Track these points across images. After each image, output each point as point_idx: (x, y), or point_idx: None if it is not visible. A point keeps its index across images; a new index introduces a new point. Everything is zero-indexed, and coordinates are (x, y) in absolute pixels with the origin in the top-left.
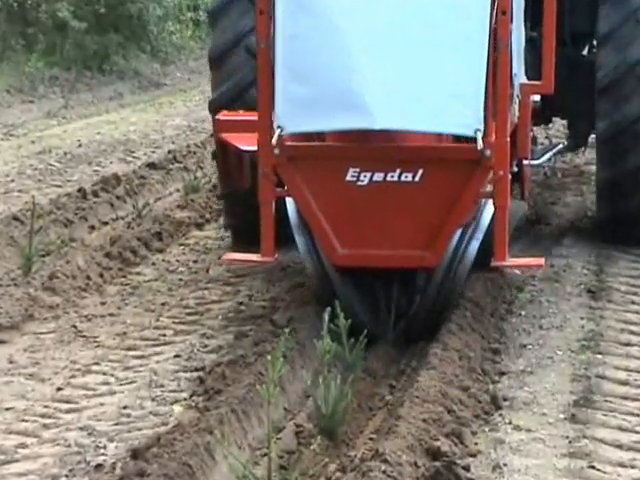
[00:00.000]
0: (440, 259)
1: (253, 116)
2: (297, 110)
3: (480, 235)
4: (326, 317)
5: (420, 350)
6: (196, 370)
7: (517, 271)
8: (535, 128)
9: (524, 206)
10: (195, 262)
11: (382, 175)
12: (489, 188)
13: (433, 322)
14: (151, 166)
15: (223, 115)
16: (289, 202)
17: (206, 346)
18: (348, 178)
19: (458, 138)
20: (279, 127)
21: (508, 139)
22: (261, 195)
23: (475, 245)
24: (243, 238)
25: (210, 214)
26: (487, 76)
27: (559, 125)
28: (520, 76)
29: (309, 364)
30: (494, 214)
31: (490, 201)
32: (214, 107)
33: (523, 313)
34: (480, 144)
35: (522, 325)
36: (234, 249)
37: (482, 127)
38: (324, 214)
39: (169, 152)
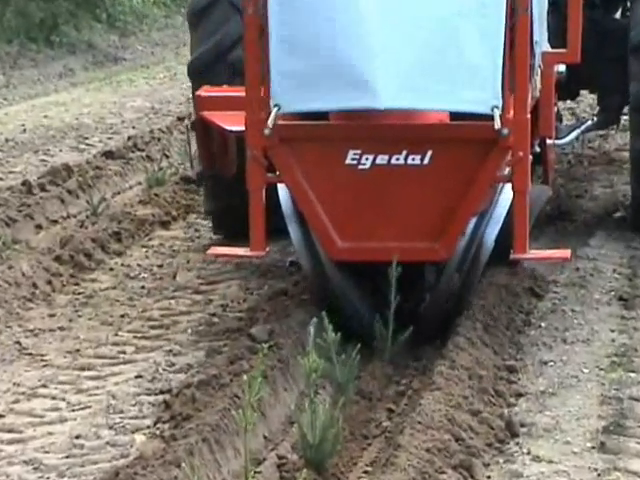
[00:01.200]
0: (452, 252)
1: (239, 91)
2: (295, 87)
3: (497, 224)
4: (312, 330)
5: (423, 368)
6: (161, 393)
7: (539, 264)
8: (560, 103)
9: (547, 191)
10: (160, 267)
11: (386, 157)
12: (507, 171)
13: (444, 324)
14: (108, 155)
15: (205, 90)
16: (281, 189)
17: (173, 365)
18: (348, 161)
19: (472, 116)
20: (276, 106)
21: (529, 116)
22: (250, 181)
23: (491, 236)
24: (225, 227)
25: (177, 211)
26: (504, 45)
27: (588, 99)
28: (542, 44)
29: (293, 385)
30: (513, 200)
31: (508, 186)
32: (194, 70)
33: (543, 325)
34: (497, 122)
35: (542, 339)
36: (214, 242)
37: (500, 103)
38: (321, 202)
39: (129, 139)
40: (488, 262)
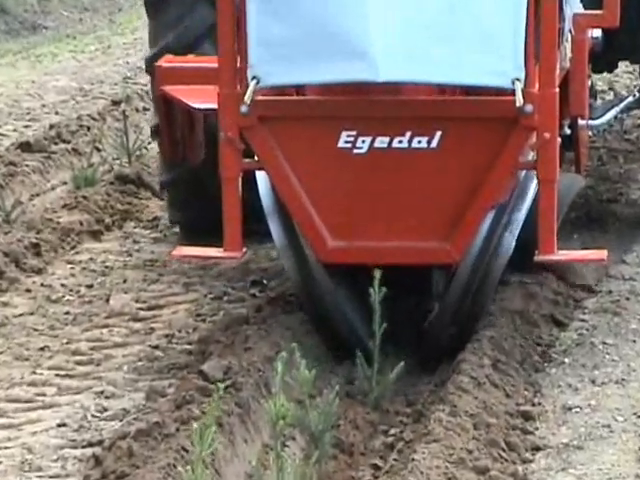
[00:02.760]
0: (464, 253)
1: (209, 62)
2: (277, 57)
3: (519, 220)
4: (279, 366)
5: (417, 414)
6: (90, 445)
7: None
8: (595, 76)
9: (579, 181)
10: (89, 287)
11: (387, 140)
12: (531, 156)
13: (455, 340)
14: (24, 147)
15: (167, 61)
16: (260, 178)
17: (105, 410)
18: (341, 144)
19: (489, 90)
20: (254, 78)
21: (557, 90)
22: (223, 168)
23: (512, 233)
24: (198, 236)
25: (111, 218)
26: (527, 6)
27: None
28: (574, 4)
29: (255, 435)
30: (538, 191)
31: (533, 174)
32: (154, 67)
33: (567, 361)
34: (519, 98)
35: (566, 378)
36: (157, 255)
37: (522, 75)
38: (308, 193)
39: (51, 127)
40: (508, 265)
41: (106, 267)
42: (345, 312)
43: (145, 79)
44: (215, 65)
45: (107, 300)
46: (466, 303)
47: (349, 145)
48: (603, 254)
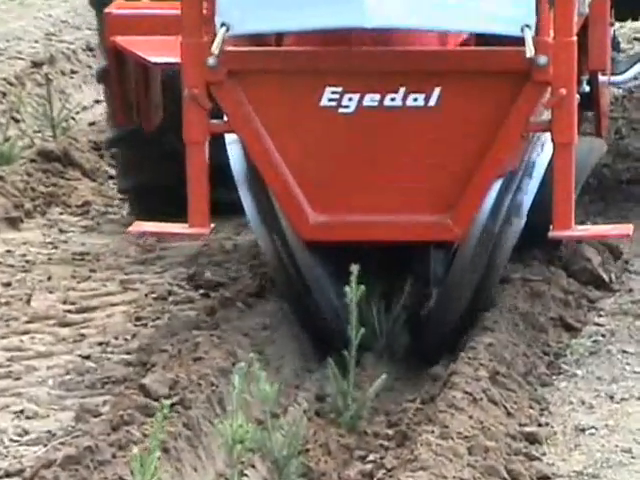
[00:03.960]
0: (468, 229)
1: (169, 8)
2: (251, 1)
3: (531, 190)
4: (236, 379)
5: (401, 437)
6: (8, 476)
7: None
8: (617, 25)
9: (600, 146)
10: (6, 286)
11: (377, 98)
12: (545, 116)
13: (456, 331)
14: None
15: (117, 7)
16: (231, 142)
17: (26, 433)
18: (324, 102)
19: (495, 39)
20: (223, 25)
21: (575, 38)
22: (187, 131)
23: (523, 206)
24: (150, 209)
25: (33, 202)
26: None
27: None
28: None
29: (207, 462)
30: (553, 157)
31: (547, 137)
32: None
33: (580, 373)
34: (530, 47)
35: (578, 393)
36: (89, 247)
37: (533, 21)
38: (287, 160)
39: None
40: (519, 244)
41: (27, 262)
42: (330, 298)
43: (72, 36)
44: (176, 12)
45: (28, 301)
46: (469, 288)
47: (334, 103)
48: (629, 229)
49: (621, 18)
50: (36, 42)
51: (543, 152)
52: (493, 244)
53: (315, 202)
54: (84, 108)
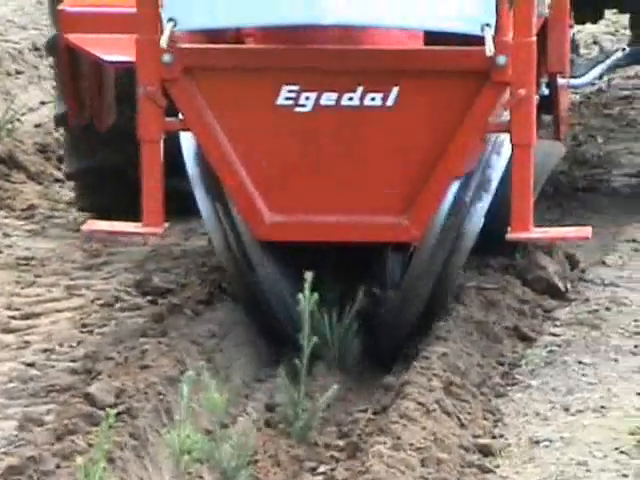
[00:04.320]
0: (425, 230)
1: (122, 6)
2: None
3: (489, 192)
4: (185, 388)
5: (352, 448)
6: None
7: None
8: (577, 27)
9: (559, 149)
10: None
11: (334, 97)
12: (504, 117)
13: (412, 336)
14: None
15: (71, 4)
16: (185, 140)
17: None
18: (281, 101)
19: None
20: (170, 20)
21: (534, 39)
22: (142, 129)
23: (481, 208)
24: (97, 199)
25: None
26: None
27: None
28: None
29: (153, 472)
30: (512, 158)
31: (505, 138)
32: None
33: (535, 384)
34: (490, 46)
35: (533, 405)
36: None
37: (493, 20)
38: (243, 159)
39: None
40: (475, 246)
41: None
42: (286, 300)
43: (18, 36)
44: (129, 10)
45: None
46: (425, 291)
47: (290, 102)
48: (587, 231)
49: (580, 21)
50: None
51: (501, 153)
52: (450, 246)
53: (271, 202)
54: (30, 109)
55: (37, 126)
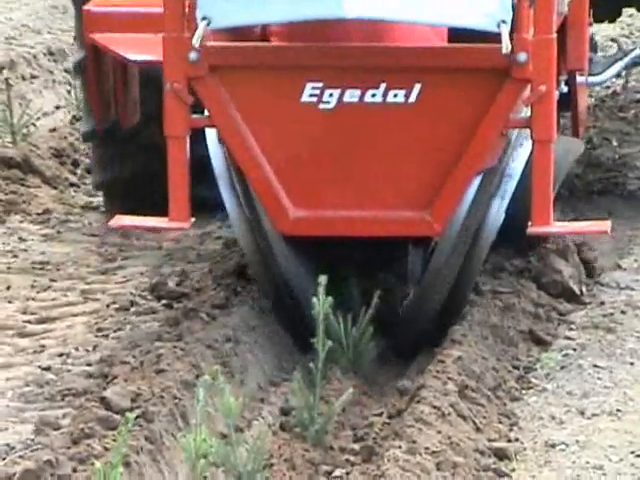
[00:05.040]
0: (446, 224)
1: (147, 5)
2: None
3: (509, 187)
4: (200, 392)
5: (367, 452)
6: None
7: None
8: (596, 26)
9: (578, 146)
10: None
11: (358, 93)
12: (525, 113)
13: (434, 329)
14: None
15: (96, 4)
16: (211, 136)
17: None
18: (305, 98)
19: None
20: (204, 19)
21: (554, 36)
22: (168, 126)
23: (501, 203)
24: (125, 203)
25: None
26: None
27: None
28: None
29: (169, 477)
30: (532, 154)
31: (526, 134)
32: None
33: (550, 388)
34: (507, 44)
35: (548, 409)
36: (49, 255)
37: (509, 17)
38: (268, 155)
39: None
40: (496, 241)
41: None
42: (309, 293)
43: (33, 40)
44: (155, 9)
45: None
46: (447, 285)
47: (314, 99)
48: (606, 225)
49: (599, 19)
50: None
51: (522, 149)
52: (472, 240)
53: (295, 197)
54: (45, 114)
55: (52, 130)
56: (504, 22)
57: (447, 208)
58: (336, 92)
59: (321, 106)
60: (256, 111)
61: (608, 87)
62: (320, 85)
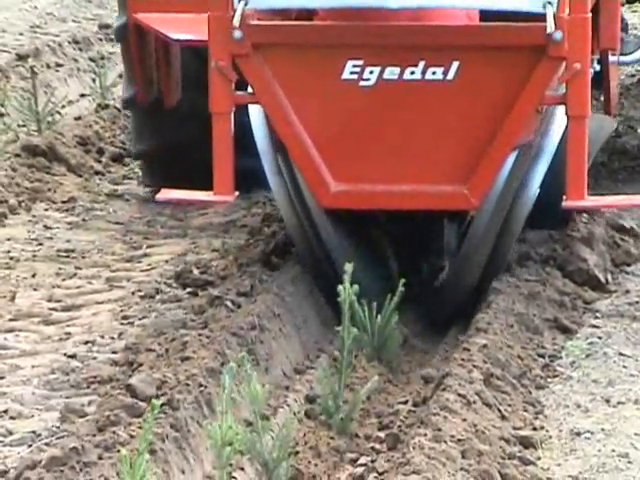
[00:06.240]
0: (483, 198)
1: None
2: None
3: (545, 161)
4: (226, 380)
5: (392, 439)
6: None
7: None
8: (625, 7)
9: (610, 123)
10: None
11: (397, 71)
12: (560, 90)
13: (469, 299)
14: None
15: None
16: (254, 112)
17: (9, 433)
18: (346, 75)
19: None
20: (242, 0)
21: (589, 15)
22: (213, 102)
23: (537, 177)
24: (165, 175)
25: (17, 198)
26: None
27: None
28: None
29: (195, 464)
30: (567, 129)
31: (560, 110)
32: None
33: (575, 376)
34: (551, 23)
35: (573, 397)
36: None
37: None
38: (309, 131)
39: None
40: (532, 215)
41: (11, 258)
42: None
43: (58, 28)
44: None
45: (12, 298)
46: (483, 258)
47: (355, 76)
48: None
49: (630, 0)
50: (21, 35)
51: (556, 125)
52: (507, 214)
53: (336, 171)
54: (70, 102)
55: (77, 119)
56: (549, 3)
57: (484, 183)
58: (376, 70)
59: (361, 83)
60: (298, 88)
61: (633, 75)
62: (361, 63)
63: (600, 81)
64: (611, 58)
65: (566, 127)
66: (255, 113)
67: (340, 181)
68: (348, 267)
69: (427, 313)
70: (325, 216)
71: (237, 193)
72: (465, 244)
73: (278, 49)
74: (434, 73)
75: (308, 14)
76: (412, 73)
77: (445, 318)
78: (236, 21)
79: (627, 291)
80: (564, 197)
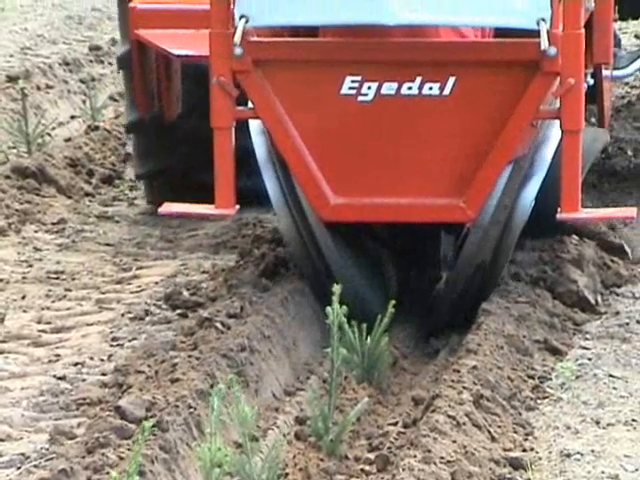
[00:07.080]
0: (479, 211)
1: (190, 2)
2: None
3: (539, 175)
4: (215, 401)
5: (382, 461)
6: None
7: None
8: (619, 23)
9: (603, 136)
10: None
11: (395, 86)
12: (554, 104)
13: (466, 310)
14: None
15: (142, 1)
16: (255, 127)
17: None
18: (345, 91)
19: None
20: (242, 17)
21: (582, 31)
22: (214, 117)
23: (532, 190)
24: (167, 193)
25: (7, 220)
26: None
27: None
28: None
29: None
30: (561, 143)
31: (555, 124)
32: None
33: (565, 397)
34: (545, 40)
35: (563, 418)
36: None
37: (548, 15)
38: (309, 145)
39: None
40: (526, 226)
41: (0, 280)
42: (350, 277)
43: (48, 50)
44: (197, 6)
45: (2, 320)
46: (479, 270)
47: (353, 91)
48: (632, 212)
49: (623, 17)
50: (11, 56)
51: (551, 139)
52: (503, 227)
53: (335, 185)
54: (60, 124)
55: (67, 140)
56: (543, 20)
57: (480, 196)
58: (374, 85)
59: (360, 98)
60: (298, 103)
61: (623, 97)
62: (359, 78)
63: (594, 95)
64: (604, 72)
65: (560, 141)
66: (256, 128)
67: (339, 194)
68: (337, 288)
69: (417, 333)
70: (325, 229)
71: (238, 207)
72: (461, 257)
73: (278, 65)
74: (431, 88)
75: (312, 31)
76: (409, 88)
77: (443, 324)
78: (237, 38)
79: (617, 312)
80: (558, 209)
